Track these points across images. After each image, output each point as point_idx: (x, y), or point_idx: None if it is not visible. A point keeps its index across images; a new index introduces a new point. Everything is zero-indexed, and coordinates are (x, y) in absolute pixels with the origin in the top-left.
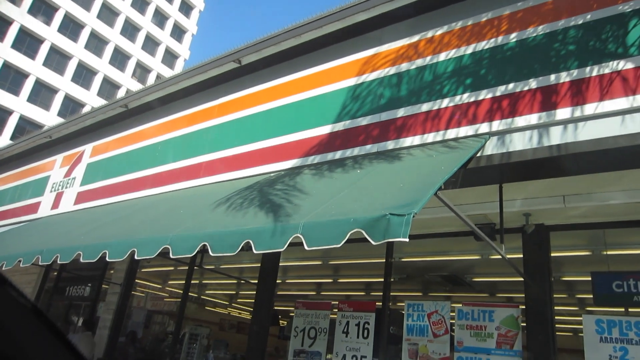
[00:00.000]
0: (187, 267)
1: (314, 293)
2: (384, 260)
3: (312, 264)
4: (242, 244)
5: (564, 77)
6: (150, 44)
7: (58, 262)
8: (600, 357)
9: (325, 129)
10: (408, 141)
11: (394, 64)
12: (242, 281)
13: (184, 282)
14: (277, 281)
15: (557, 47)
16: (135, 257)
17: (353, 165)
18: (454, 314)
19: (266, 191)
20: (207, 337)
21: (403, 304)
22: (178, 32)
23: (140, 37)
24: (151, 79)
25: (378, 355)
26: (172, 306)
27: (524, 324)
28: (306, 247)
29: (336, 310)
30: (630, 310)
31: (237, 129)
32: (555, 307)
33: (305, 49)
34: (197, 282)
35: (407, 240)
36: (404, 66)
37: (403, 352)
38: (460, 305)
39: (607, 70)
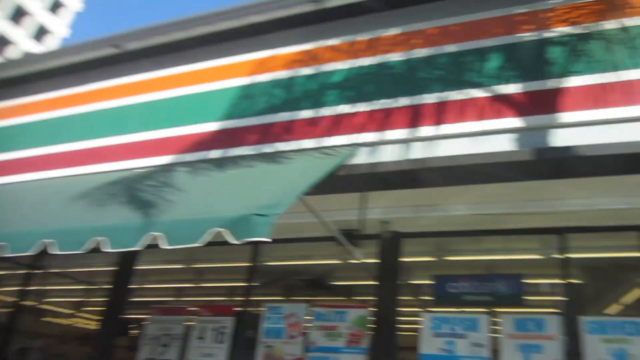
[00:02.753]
0: (24, 270)
1: (173, 299)
2: (249, 264)
3: (174, 268)
4: (92, 242)
5: (429, 98)
6: (18, 14)
7: None
8: (432, 349)
9: (207, 127)
10: (288, 145)
11: (287, 68)
12: (92, 286)
13: (16, 287)
14: (133, 286)
15: (428, 71)
16: None
17: (230, 165)
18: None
19: (132, 187)
20: (43, 351)
21: (263, 308)
22: (54, 4)
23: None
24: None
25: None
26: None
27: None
28: (165, 246)
29: (193, 316)
30: (461, 309)
31: (109, 118)
32: (403, 308)
33: (195, 43)
34: (37, 288)
35: (269, 240)
36: (296, 71)
37: (258, 355)
38: (316, 307)
39: (463, 96)
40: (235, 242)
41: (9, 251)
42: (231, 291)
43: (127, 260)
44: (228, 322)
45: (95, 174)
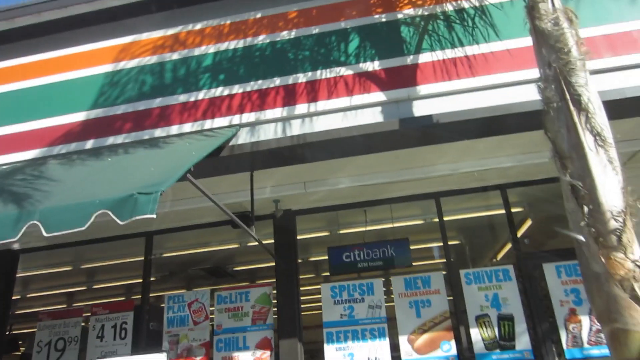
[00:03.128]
0: None
1: (64, 306)
2: (143, 258)
3: (61, 271)
4: None
5: (301, 77)
6: None
7: None
8: (334, 317)
9: (76, 117)
10: (166, 130)
11: (154, 54)
12: None
13: None
14: (15, 297)
15: (297, 52)
16: None
17: (108, 153)
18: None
19: (2, 182)
20: None
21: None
22: None
23: None
24: None
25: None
26: None
27: (275, 301)
28: (45, 234)
29: (89, 315)
30: (357, 275)
31: None
32: (304, 283)
33: (48, 29)
34: None
35: (154, 216)
36: (164, 57)
37: (163, 345)
38: (219, 291)
39: (333, 74)
40: (120, 222)
41: None
42: (129, 289)
43: (5, 268)
44: (128, 318)
45: None
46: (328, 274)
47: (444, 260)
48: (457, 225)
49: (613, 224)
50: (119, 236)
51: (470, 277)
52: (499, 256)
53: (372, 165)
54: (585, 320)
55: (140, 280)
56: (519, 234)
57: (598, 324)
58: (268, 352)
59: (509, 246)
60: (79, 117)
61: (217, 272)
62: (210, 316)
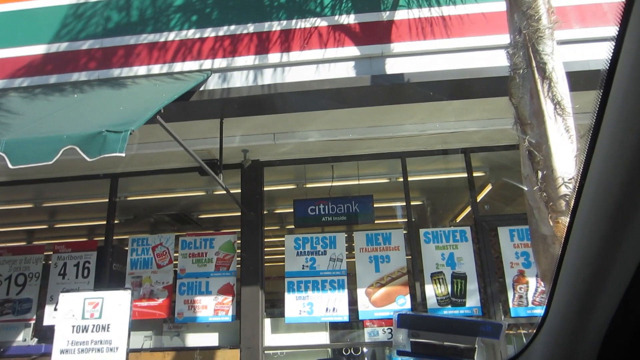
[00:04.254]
0: None
1: (24, 243)
2: (107, 200)
3: (22, 208)
4: None
5: (276, 26)
6: None
7: None
8: (296, 267)
9: (39, 49)
10: (134, 70)
11: None
12: None
13: None
14: None
15: None
16: None
17: (72, 90)
18: (177, 247)
19: None
20: None
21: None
22: None
23: None
24: None
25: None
26: None
27: (239, 250)
28: (10, 166)
29: (51, 253)
30: (321, 229)
31: None
32: (267, 237)
33: None
34: None
35: (123, 155)
36: None
37: (126, 285)
38: (184, 237)
39: (307, 25)
40: (88, 159)
41: None
42: (92, 230)
43: None
44: (91, 257)
45: None
46: (293, 226)
47: (406, 220)
48: (420, 185)
49: (563, 190)
50: (83, 176)
51: (429, 236)
52: (459, 218)
53: (342, 120)
54: (532, 282)
55: (104, 222)
56: (479, 197)
57: (543, 285)
58: (230, 298)
59: (468, 209)
60: (41, 49)
61: (181, 219)
62: (175, 262)
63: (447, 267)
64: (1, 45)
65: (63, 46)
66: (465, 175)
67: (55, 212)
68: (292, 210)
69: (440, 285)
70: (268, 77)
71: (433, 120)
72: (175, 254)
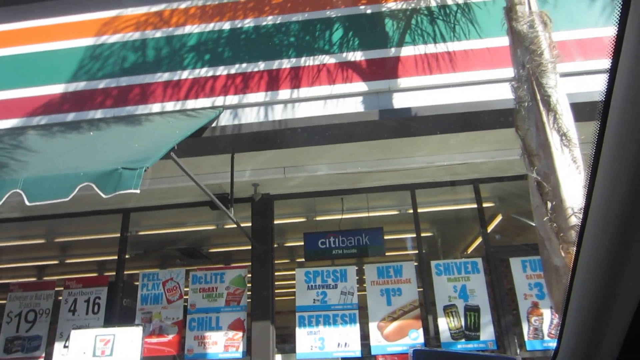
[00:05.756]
0: None
1: (35, 279)
2: (119, 235)
3: (34, 244)
4: None
5: (286, 63)
6: None
7: None
8: (307, 301)
9: (57, 88)
10: (148, 108)
11: (138, 29)
12: None
13: None
14: None
15: (282, 37)
16: None
17: (89, 127)
18: (187, 282)
19: None
20: None
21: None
22: None
23: None
24: None
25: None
26: None
27: (250, 284)
28: (27, 203)
29: (62, 289)
30: (331, 262)
31: None
32: (278, 270)
33: None
34: None
35: (138, 191)
36: (148, 33)
37: (136, 321)
38: (195, 271)
39: (316, 62)
40: (104, 195)
41: None
42: (102, 265)
43: None
44: (102, 293)
45: None
46: (303, 259)
47: (416, 252)
48: (430, 217)
49: (573, 220)
50: (95, 211)
51: (441, 268)
52: (470, 249)
53: (351, 153)
54: (546, 313)
55: (115, 257)
56: (489, 228)
57: (557, 317)
58: (240, 333)
59: (479, 240)
60: (60, 88)
61: (192, 253)
62: (185, 296)
63: (460, 299)
64: (21, 84)
65: (81, 85)
66: (475, 205)
67: (67, 248)
68: (302, 243)
69: (453, 318)
70: (278, 113)
71: (441, 153)
72: (185, 289)
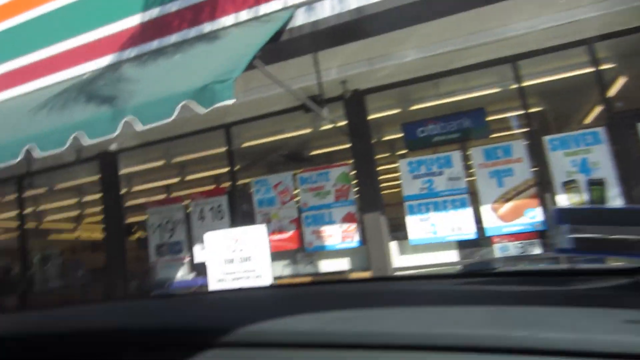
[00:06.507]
0: (15, 195)
1: (164, 196)
2: (226, 149)
3: (155, 166)
4: (71, 138)
5: None
6: None
7: None
8: (414, 190)
9: (135, 19)
10: (223, 22)
11: None
12: (83, 196)
13: (13, 213)
14: (123, 192)
15: None
16: None
17: (174, 51)
18: (296, 183)
19: (87, 89)
20: (61, 257)
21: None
22: None
23: None
24: None
25: None
26: (6, 243)
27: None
28: (141, 126)
29: (189, 201)
30: (434, 149)
31: (31, 29)
32: (380, 165)
33: None
34: (32, 210)
35: (232, 101)
36: None
37: (257, 223)
38: (301, 173)
39: None
40: (203, 110)
41: None
42: (218, 178)
43: (108, 167)
44: (222, 201)
45: (38, 90)
46: (405, 151)
47: (526, 129)
48: (537, 90)
49: None
50: (200, 130)
51: (556, 143)
52: (588, 120)
53: (438, 32)
54: None
55: (227, 169)
56: (611, 93)
57: None
58: (354, 225)
59: (599, 108)
60: (137, 19)
61: (295, 157)
62: (296, 197)
63: (581, 174)
64: (105, 22)
65: (155, 13)
66: (591, 69)
67: (185, 166)
68: (401, 135)
69: (574, 194)
70: (354, 1)
71: (543, 14)
72: (295, 191)
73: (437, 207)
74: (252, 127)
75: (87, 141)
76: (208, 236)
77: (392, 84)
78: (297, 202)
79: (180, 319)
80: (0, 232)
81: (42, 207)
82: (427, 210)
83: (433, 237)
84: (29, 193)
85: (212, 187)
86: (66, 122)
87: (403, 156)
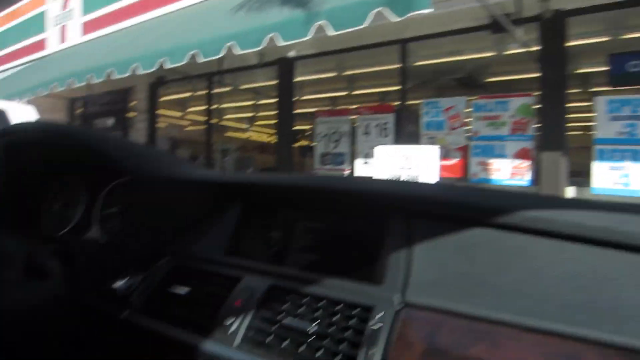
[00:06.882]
0: (206, 91)
1: (333, 108)
2: (399, 66)
3: (327, 77)
4: (267, 38)
5: None
6: None
7: (91, 82)
8: (609, 133)
9: None
10: None
11: None
12: (260, 98)
13: (203, 107)
14: (295, 99)
15: None
16: (165, 67)
17: None
18: (469, 110)
19: None
20: (236, 153)
21: (419, 106)
22: None
23: None
24: None
25: None
26: (194, 134)
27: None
28: (331, 32)
29: (356, 115)
30: None
31: None
32: (572, 97)
33: None
34: (216, 106)
35: (429, 11)
36: None
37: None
38: (476, 99)
39: None
40: (397, 18)
41: (201, 57)
42: (386, 95)
43: (286, 73)
44: (389, 119)
45: None
46: (603, 88)
47: None
48: None
49: None
50: (376, 44)
51: None
52: None
53: None
54: None
55: (397, 87)
56: None
57: None
58: (528, 162)
59: None
60: None
61: (469, 83)
62: (466, 125)
63: None
64: None
65: None
66: None
67: (355, 80)
68: (602, 68)
69: None
70: None
71: None
72: (467, 118)
73: (636, 156)
74: (429, 45)
75: (280, 42)
76: (379, 150)
77: (603, 5)
78: (468, 129)
79: (447, 195)
80: (190, 124)
81: (224, 105)
82: (623, 158)
83: (623, 188)
84: (216, 90)
85: (380, 103)
86: (263, 23)
87: (599, 93)
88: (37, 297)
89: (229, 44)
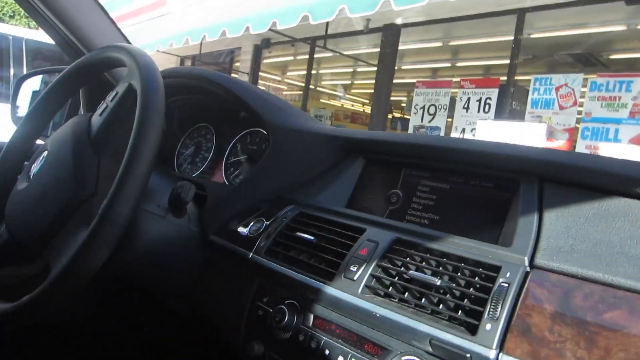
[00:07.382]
0: (307, 56)
1: (433, 79)
2: (511, 38)
3: (431, 47)
4: (380, 2)
5: None
6: None
7: (205, 40)
8: None
9: None
10: None
11: None
12: (359, 66)
13: (302, 72)
14: (396, 67)
15: None
16: (276, 27)
17: None
18: (584, 89)
19: None
20: (329, 120)
21: (527, 82)
22: None
23: None
24: None
25: None
26: (290, 98)
27: None
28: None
29: (457, 88)
30: None
31: None
32: None
33: None
34: (315, 72)
35: None
36: None
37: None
38: (595, 76)
39: None
40: None
41: (312, 19)
42: (492, 68)
43: (390, 41)
44: (493, 94)
45: None
46: None
47: None
48: None
49: None
50: (490, 13)
51: None
52: None
53: None
54: None
55: (505, 61)
56: None
57: None
58: None
59: None
60: None
61: (586, 60)
62: (579, 105)
63: None
64: None
65: None
66: None
67: (460, 51)
68: None
69: None
70: None
71: None
72: (580, 99)
73: None
74: (550, 16)
75: (394, 7)
76: (483, 124)
77: None
78: (580, 110)
79: None
80: (288, 88)
81: (322, 71)
82: None
83: None
84: (317, 55)
85: (485, 77)
86: None
87: None
88: (175, 232)
89: (341, 6)
